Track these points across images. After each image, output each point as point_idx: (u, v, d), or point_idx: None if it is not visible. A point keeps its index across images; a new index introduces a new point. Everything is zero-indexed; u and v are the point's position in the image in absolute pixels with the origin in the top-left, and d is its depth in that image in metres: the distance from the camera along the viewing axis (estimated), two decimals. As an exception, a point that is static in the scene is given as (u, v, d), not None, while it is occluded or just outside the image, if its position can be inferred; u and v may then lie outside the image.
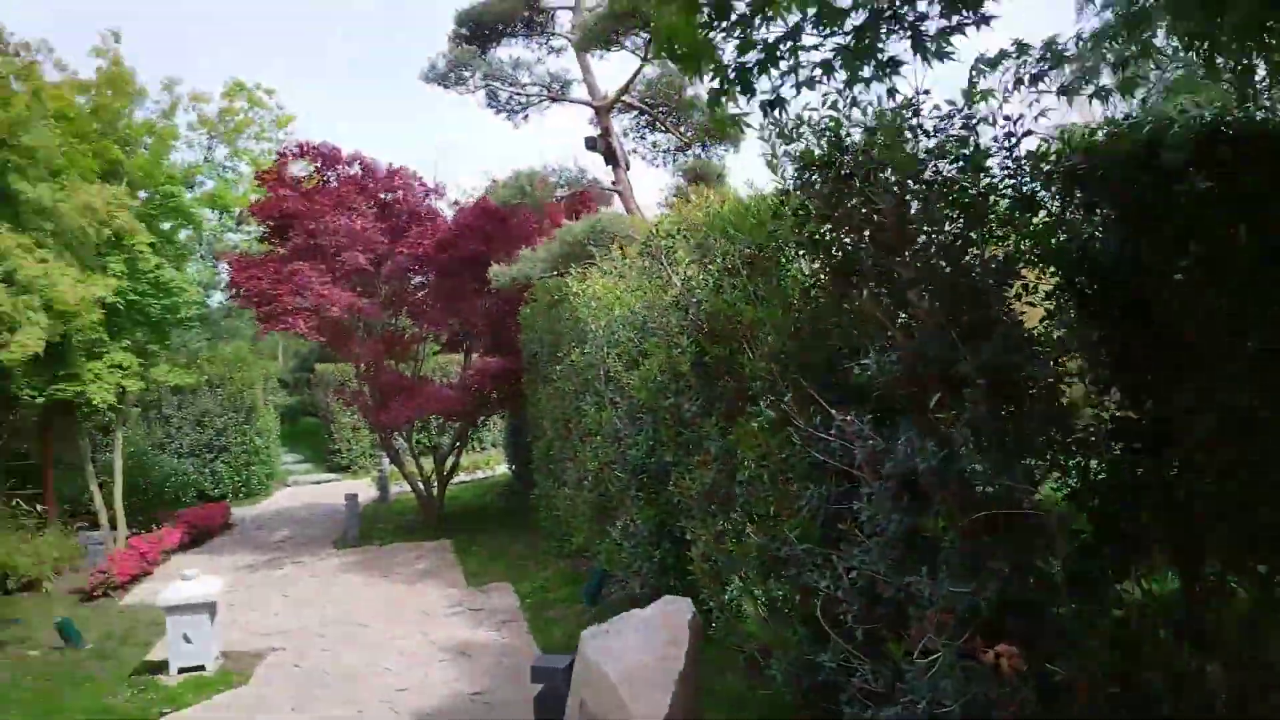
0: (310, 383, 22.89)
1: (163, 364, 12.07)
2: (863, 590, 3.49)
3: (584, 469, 8.26)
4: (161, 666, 7.21)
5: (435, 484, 13.87)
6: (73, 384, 10.42)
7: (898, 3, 2.57)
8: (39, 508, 11.47)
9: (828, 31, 2.66)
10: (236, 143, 14.97)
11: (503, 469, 18.52)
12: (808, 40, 2.72)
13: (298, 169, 13.14)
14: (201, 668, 7.09)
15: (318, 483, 20.06)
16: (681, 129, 12.00)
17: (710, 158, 11.74)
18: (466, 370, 13.18)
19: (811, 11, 2.49)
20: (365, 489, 18.50)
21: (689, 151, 12.14)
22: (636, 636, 3.76)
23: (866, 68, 2.71)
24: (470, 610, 8.60)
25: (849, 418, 3.47)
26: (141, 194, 12.22)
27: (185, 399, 17.41)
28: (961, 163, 3.40)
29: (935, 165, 3.44)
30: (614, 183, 11.25)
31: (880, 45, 2.63)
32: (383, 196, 12.30)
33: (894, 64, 2.76)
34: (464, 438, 14.03)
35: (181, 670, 7.05)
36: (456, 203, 12.70)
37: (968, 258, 3.41)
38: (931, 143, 3.42)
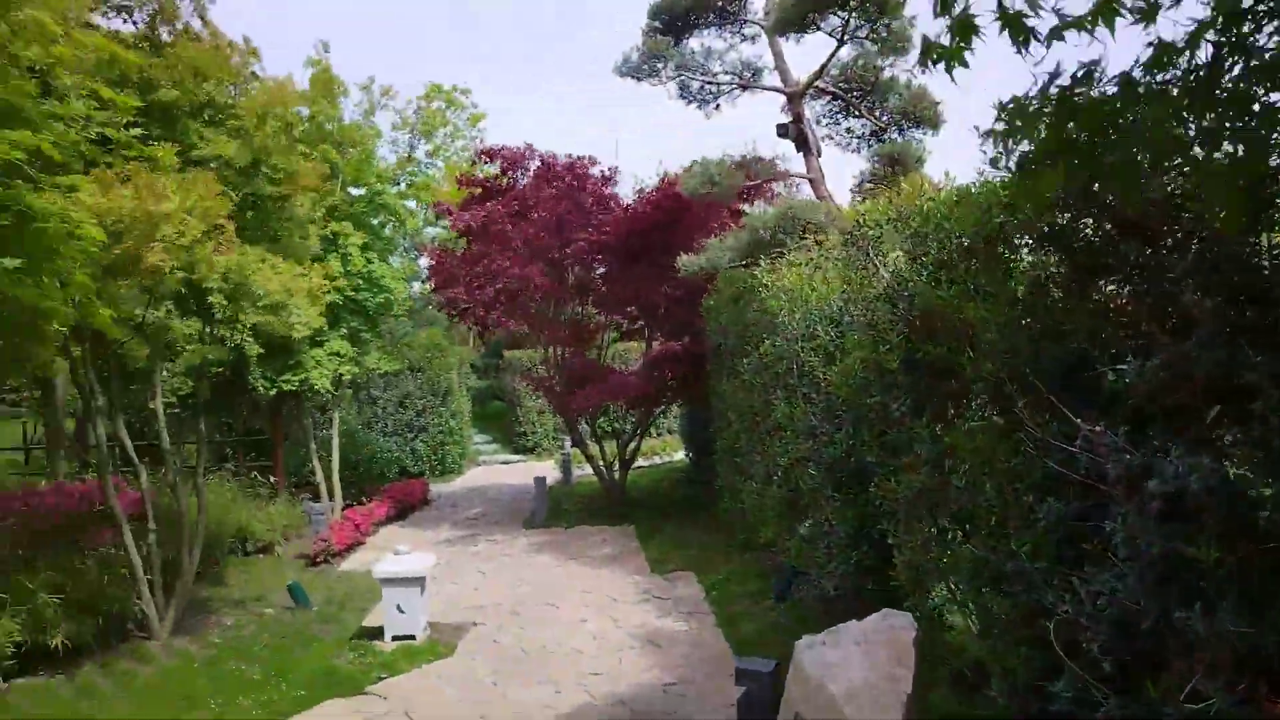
0: (499, 368, 24.05)
1: (374, 352, 13.01)
2: (1113, 618, 3.16)
3: (773, 464, 8.11)
4: (377, 633, 7.76)
5: (617, 468, 14.17)
6: (297, 373, 11.42)
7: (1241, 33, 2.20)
8: (271, 479, 12.72)
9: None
10: (435, 138, 15.77)
11: (680, 456, 18.68)
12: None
13: (491, 169, 13.77)
14: (412, 637, 7.58)
15: (505, 463, 21.07)
16: (876, 113, 11.49)
17: (909, 141, 11.14)
18: (649, 357, 13.33)
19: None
20: (549, 470, 19.24)
21: (884, 136, 11.59)
22: (858, 651, 3.59)
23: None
24: (657, 598, 8.68)
25: (1099, 428, 3.13)
26: (353, 190, 13.19)
27: (390, 381, 18.74)
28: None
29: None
30: (806, 170, 10.93)
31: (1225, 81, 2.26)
32: (568, 184, 12.61)
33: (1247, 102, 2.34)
34: (645, 424, 14.20)
35: (395, 638, 7.57)
36: (640, 190, 12.82)
37: (1250, 248, 2.98)
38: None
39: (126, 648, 7.71)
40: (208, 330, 8.99)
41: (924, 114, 10.90)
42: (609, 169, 13.19)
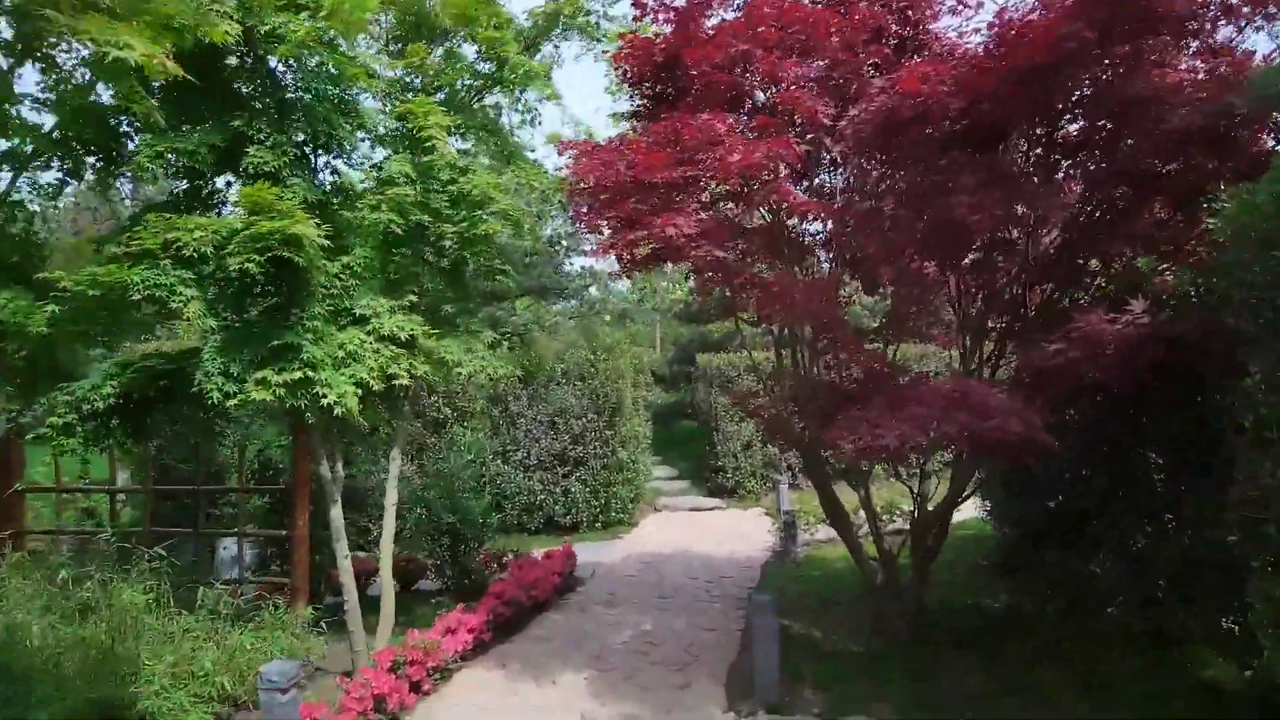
0: (690, 377, 17.41)
1: (467, 338, 6.63)
2: None
3: None
4: None
5: (909, 550, 7.08)
6: (289, 368, 5.26)
7: None
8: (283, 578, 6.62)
9: None
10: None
11: (967, 515, 11.12)
12: None
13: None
14: None
15: (694, 509, 14.38)
16: None
17: None
18: (1038, 352, 5.93)
19: None
20: (755, 524, 12.41)
21: None
22: None
23: None
24: None
25: None
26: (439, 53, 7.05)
27: (536, 393, 12.64)
28: None
29: None
30: None
31: None
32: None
33: None
34: (963, 488, 6.99)
35: None
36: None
37: None
38: None
39: None
40: None
41: None
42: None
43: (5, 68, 6.04)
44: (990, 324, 6.59)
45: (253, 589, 7.10)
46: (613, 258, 6.78)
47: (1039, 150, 5.53)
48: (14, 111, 6.44)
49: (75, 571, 5.14)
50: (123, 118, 6.19)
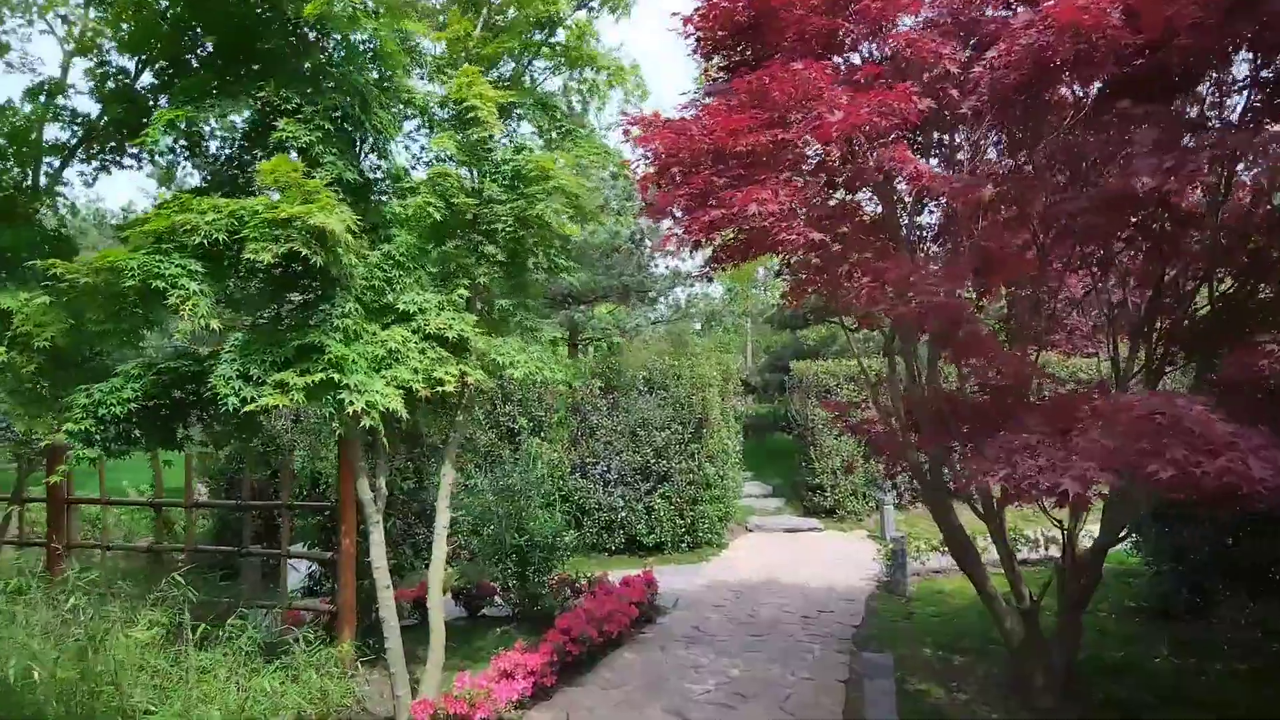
0: (784, 387, 16.24)
1: (515, 334, 5.83)
2: None
3: None
4: None
5: (1047, 591, 5.82)
6: (314, 369, 4.54)
7: None
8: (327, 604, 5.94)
9: None
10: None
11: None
12: None
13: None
14: None
15: (789, 531, 13.21)
16: None
17: None
18: (1259, 358, 4.49)
19: None
20: (857, 549, 11.16)
21: None
22: None
23: None
24: None
25: None
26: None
27: (616, 402, 11.79)
28: None
29: None
30: None
31: None
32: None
33: None
34: (1130, 516, 5.69)
35: None
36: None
37: None
38: None
39: None
40: None
41: None
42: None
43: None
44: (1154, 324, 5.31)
45: (305, 616, 6.54)
46: (696, 255, 5.89)
47: (1247, 95, 4.28)
48: (63, 102, 6.16)
49: (81, 600, 4.56)
50: (162, 96, 5.74)
